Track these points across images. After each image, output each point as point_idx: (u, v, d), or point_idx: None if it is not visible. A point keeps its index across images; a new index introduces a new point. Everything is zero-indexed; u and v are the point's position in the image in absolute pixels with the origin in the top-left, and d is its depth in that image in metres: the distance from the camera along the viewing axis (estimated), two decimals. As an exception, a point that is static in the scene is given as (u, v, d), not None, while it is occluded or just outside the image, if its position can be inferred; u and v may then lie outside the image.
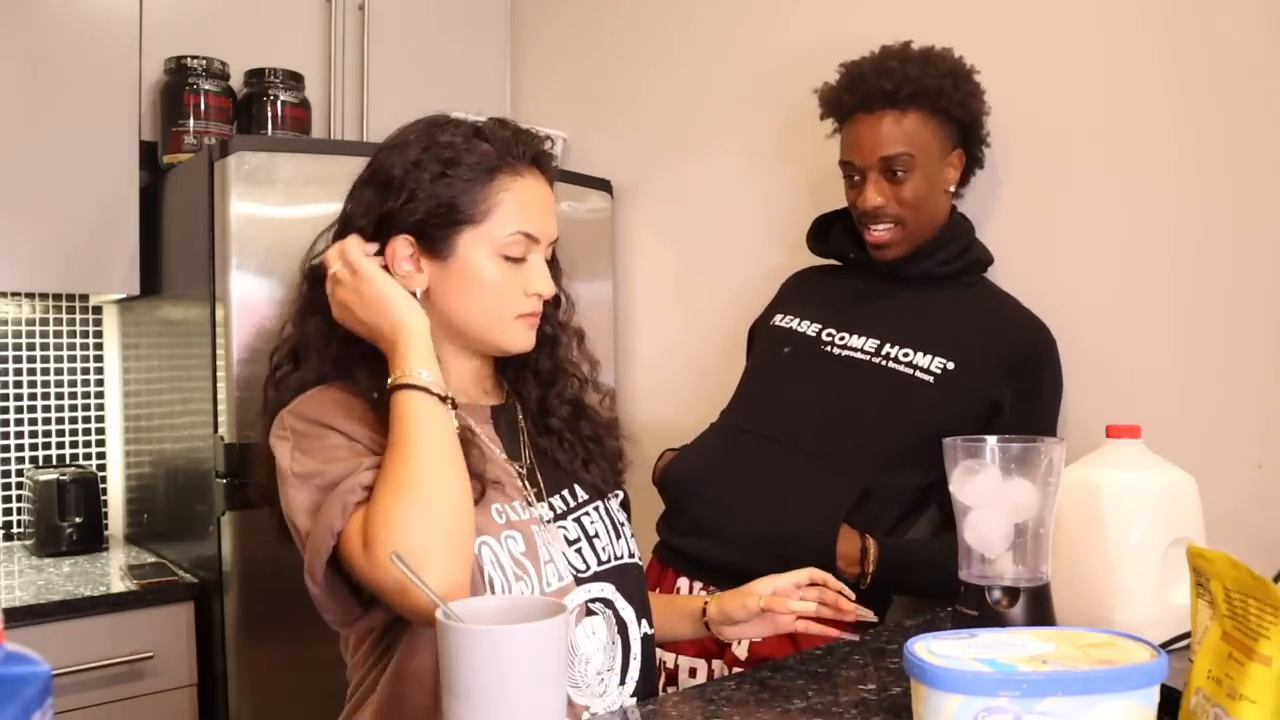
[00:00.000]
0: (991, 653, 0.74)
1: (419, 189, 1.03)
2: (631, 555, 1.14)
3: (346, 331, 1.05)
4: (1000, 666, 0.71)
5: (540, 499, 1.10)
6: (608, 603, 1.08)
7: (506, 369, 1.19)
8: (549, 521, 1.08)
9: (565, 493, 1.13)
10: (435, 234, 1.04)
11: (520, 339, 1.09)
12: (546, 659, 0.76)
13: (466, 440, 1.02)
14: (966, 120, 1.54)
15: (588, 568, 1.08)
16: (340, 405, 1.02)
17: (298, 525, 0.98)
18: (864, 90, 1.52)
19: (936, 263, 1.55)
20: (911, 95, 1.49)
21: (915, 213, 1.51)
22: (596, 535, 1.11)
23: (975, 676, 0.70)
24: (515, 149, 1.07)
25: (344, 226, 1.08)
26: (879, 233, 1.53)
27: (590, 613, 1.06)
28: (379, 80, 2.39)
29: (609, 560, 1.10)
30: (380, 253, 1.05)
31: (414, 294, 1.04)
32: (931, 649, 0.76)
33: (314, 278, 1.09)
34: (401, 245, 1.04)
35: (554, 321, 1.18)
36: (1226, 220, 1.40)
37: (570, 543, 1.09)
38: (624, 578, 1.10)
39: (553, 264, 1.15)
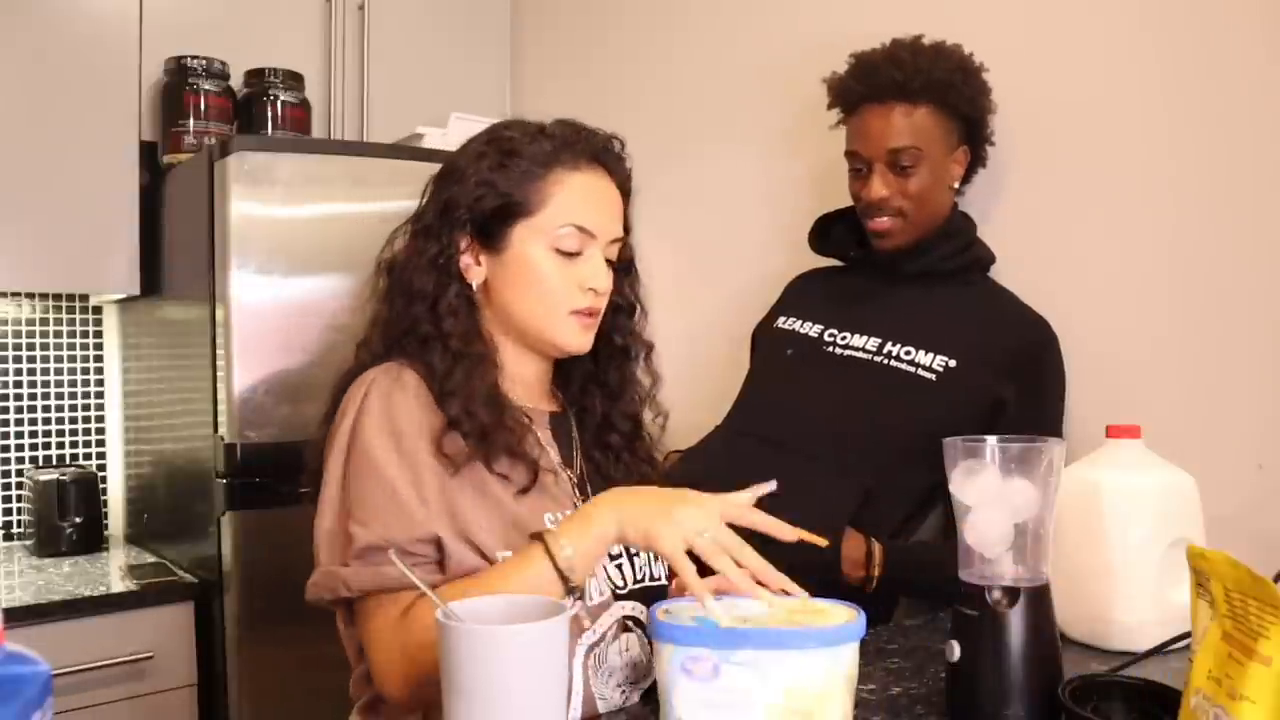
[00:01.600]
0: (715, 614, 0.86)
1: (478, 176, 1.06)
2: (667, 579, 1.13)
3: (404, 310, 1.06)
4: (707, 623, 0.84)
5: None
6: (639, 623, 1.07)
7: (572, 380, 1.18)
8: None
9: None
10: (491, 226, 1.06)
11: (574, 337, 1.09)
12: (546, 659, 0.76)
13: (523, 426, 1.04)
14: (973, 117, 1.54)
15: (625, 584, 1.08)
16: (415, 416, 1.00)
17: (347, 539, 0.97)
18: (874, 80, 1.51)
19: (938, 258, 1.55)
20: (922, 87, 1.48)
21: (919, 207, 1.51)
22: (637, 554, 1.11)
23: (682, 629, 0.84)
24: (575, 144, 1.08)
25: (416, 221, 1.10)
26: (881, 221, 1.53)
27: (626, 629, 1.06)
28: (379, 80, 2.39)
29: (644, 579, 1.10)
30: (448, 247, 1.06)
31: (471, 287, 1.07)
32: (669, 609, 0.89)
33: (389, 269, 1.11)
34: (460, 240, 1.07)
35: (626, 332, 1.18)
36: (1227, 221, 1.40)
37: (612, 557, 1.08)
38: (658, 599, 1.10)
39: (628, 269, 1.15)
